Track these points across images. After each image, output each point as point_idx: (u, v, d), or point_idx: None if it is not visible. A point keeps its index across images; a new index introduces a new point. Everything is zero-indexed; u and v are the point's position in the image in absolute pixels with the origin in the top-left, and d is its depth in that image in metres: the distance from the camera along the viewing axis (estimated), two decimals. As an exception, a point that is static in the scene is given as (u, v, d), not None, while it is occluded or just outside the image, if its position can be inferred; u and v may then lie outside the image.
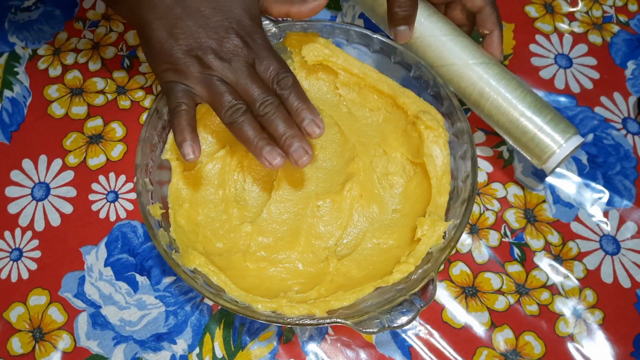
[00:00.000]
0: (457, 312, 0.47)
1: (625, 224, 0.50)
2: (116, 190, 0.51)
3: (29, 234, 0.49)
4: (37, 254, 0.49)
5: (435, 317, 0.47)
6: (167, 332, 0.46)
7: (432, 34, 0.48)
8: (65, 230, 0.49)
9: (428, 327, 0.46)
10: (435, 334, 0.46)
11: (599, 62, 0.57)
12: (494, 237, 0.50)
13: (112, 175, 0.51)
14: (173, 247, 0.42)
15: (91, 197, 0.51)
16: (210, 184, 0.47)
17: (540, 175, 0.52)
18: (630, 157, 0.53)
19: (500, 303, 0.47)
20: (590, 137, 0.52)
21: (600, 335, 0.46)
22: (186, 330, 0.46)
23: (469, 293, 0.48)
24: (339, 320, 0.39)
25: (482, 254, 0.49)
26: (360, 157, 0.48)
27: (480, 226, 0.50)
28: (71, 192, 0.51)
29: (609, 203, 0.51)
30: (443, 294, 0.47)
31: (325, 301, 0.41)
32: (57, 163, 0.52)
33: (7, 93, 0.55)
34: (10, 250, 0.49)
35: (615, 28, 0.59)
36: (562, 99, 0.55)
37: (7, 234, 0.49)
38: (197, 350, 0.45)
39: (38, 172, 0.52)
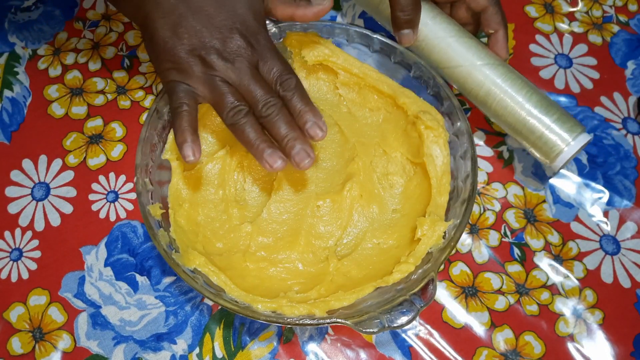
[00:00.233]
0: (457, 312, 0.47)
1: (625, 224, 0.50)
2: (116, 190, 0.51)
3: (29, 234, 0.49)
4: (37, 254, 0.49)
5: (435, 317, 0.47)
6: (167, 332, 0.46)
7: (437, 35, 0.48)
8: (65, 230, 0.49)
9: (428, 327, 0.46)
10: (435, 334, 0.46)
11: (599, 62, 0.57)
12: (494, 237, 0.50)
13: (112, 175, 0.51)
14: (173, 247, 0.42)
15: (91, 197, 0.51)
16: (210, 184, 0.47)
17: (540, 175, 0.52)
18: (630, 157, 0.53)
19: (500, 303, 0.47)
20: (590, 137, 0.52)
21: (600, 335, 0.46)
22: (186, 330, 0.46)
23: (469, 293, 0.48)
24: (339, 320, 0.39)
25: (482, 254, 0.49)
26: (360, 157, 0.48)
27: (480, 226, 0.50)
28: (71, 192, 0.51)
29: (609, 203, 0.51)
30: (443, 294, 0.47)
31: (325, 301, 0.41)
32: (57, 163, 0.52)
33: (7, 93, 0.55)
34: (10, 250, 0.49)
35: (615, 28, 0.59)
36: (562, 99, 0.55)
37: (7, 234, 0.49)
38: (197, 350, 0.45)
39: (38, 172, 0.52)
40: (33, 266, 0.48)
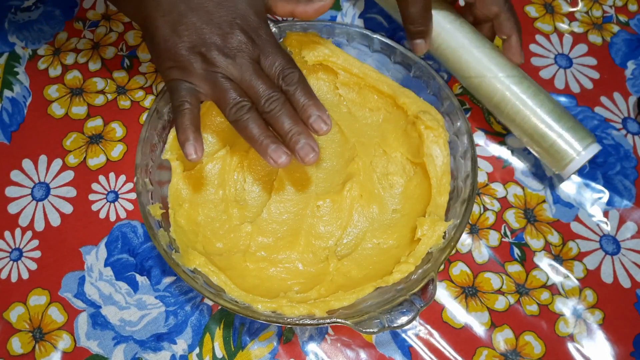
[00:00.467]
0: (457, 312, 0.47)
1: (625, 224, 0.50)
2: (116, 190, 0.51)
3: (29, 234, 0.49)
4: (37, 254, 0.49)
5: (435, 317, 0.47)
6: (167, 332, 0.46)
7: (454, 41, 0.49)
8: (65, 230, 0.49)
9: (428, 327, 0.46)
10: (435, 334, 0.46)
11: (599, 62, 0.57)
12: (494, 237, 0.50)
13: (112, 175, 0.51)
14: (173, 247, 0.42)
15: (91, 197, 0.51)
16: (210, 184, 0.47)
17: (540, 175, 0.52)
18: (630, 157, 0.53)
19: (500, 303, 0.47)
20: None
21: (600, 335, 0.46)
22: (186, 330, 0.46)
23: (469, 293, 0.48)
24: (339, 320, 0.39)
25: (482, 254, 0.49)
26: (360, 157, 0.48)
27: (480, 226, 0.50)
28: (71, 192, 0.51)
29: (609, 203, 0.51)
30: (443, 294, 0.47)
31: (325, 301, 0.41)
32: (57, 163, 0.52)
33: (7, 93, 0.55)
34: (10, 250, 0.49)
35: (615, 28, 0.59)
36: (562, 99, 0.55)
37: (7, 234, 0.49)
38: (197, 350, 0.45)
39: (38, 172, 0.52)
40: (33, 266, 0.48)
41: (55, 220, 0.50)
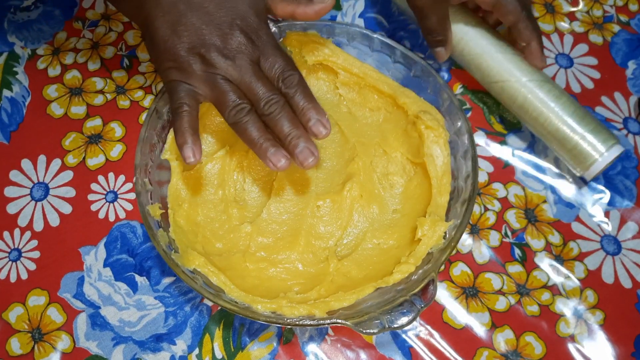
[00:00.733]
0: (457, 312, 0.47)
1: (626, 224, 0.50)
2: (115, 190, 0.51)
3: (27, 234, 0.49)
4: (36, 254, 0.48)
5: (436, 317, 0.46)
6: (167, 333, 0.46)
7: (477, 46, 0.49)
8: (64, 231, 0.49)
9: (428, 327, 0.46)
10: (436, 334, 0.46)
11: (599, 62, 0.57)
12: (494, 238, 0.49)
13: (111, 175, 0.51)
14: (172, 247, 0.42)
15: (90, 197, 0.50)
16: (209, 184, 0.47)
17: (540, 175, 0.52)
18: (631, 157, 0.53)
19: (501, 303, 0.47)
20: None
21: (601, 336, 0.46)
22: (185, 331, 0.46)
23: (469, 293, 0.47)
24: (339, 320, 0.39)
25: (482, 254, 0.49)
26: (360, 157, 0.48)
27: (480, 226, 0.50)
28: (70, 192, 0.51)
29: (610, 203, 0.51)
30: (443, 295, 0.47)
31: (325, 302, 0.41)
32: (56, 163, 0.52)
33: (6, 93, 0.55)
34: (9, 250, 0.49)
35: (616, 28, 0.58)
36: (563, 98, 0.55)
37: (6, 234, 0.49)
38: (196, 351, 0.45)
39: (37, 172, 0.51)
40: (32, 266, 0.48)
41: (54, 221, 0.50)
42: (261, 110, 0.40)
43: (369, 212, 0.47)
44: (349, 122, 0.50)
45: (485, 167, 0.52)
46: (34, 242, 0.49)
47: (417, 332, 0.46)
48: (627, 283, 0.48)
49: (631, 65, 0.57)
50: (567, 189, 0.51)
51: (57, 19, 0.58)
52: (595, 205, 0.51)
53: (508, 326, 0.46)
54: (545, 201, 0.51)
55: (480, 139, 0.53)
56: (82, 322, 0.46)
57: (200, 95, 0.41)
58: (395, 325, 0.39)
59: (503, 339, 0.46)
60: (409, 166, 0.48)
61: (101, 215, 0.50)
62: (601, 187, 0.51)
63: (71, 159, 0.52)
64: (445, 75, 0.56)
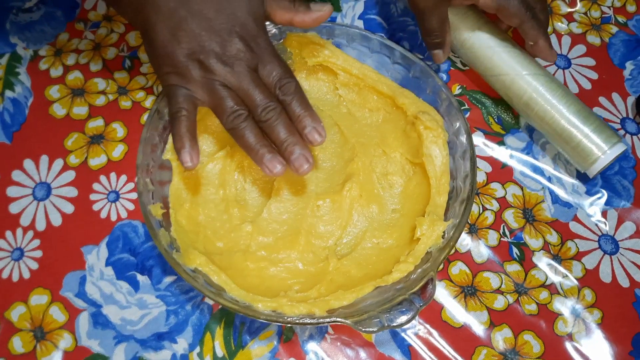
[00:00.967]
0: (456, 311, 0.47)
1: (624, 223, 0.50)
2: (117, 190, 0.51)
3: (30, 233, 0.49)
4: (38, 253, 0.49)
5: (435, 316, 0.47)
6: (168, 332, 0.46)
7: (483, 43, 0.50)
8: (66, 230, 0.49)
9: (427, 326, 0.46)
10: (435, 333, 0.46)
11: (597, 63, 0.57)
12: (493, 237, 0.50)
13: (113, 175, 0.52)
14: (174, 246, 0.43)
15: (92, 197, 0.51)
16: (210, 183, 0.47)
17: (538, 175, 0.52)
18: (629, 157, 0.53)
19: (499, 302, 0.47)
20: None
21: (598, 335, 0.46)
22: (187, 330, 0.46)
23: (468, 292, 0.48)
24: (339, 319, 0.39)
25: (481, 253, 0.49)
26: (360, 157, 0.48)
27: (479, 226, 0.50)
28: (72, 192, 0.51)
29: (608, 203, 0.51)
30: (442, 294, 0.48)
31: (325, 300, 0.41)
32: (59, 163, 0.52)
33: (8, 93, 0.55)
34: (11, 250, 0.49)
35: (614, 29, 0.59)
36: (561, 99, 0.55)
37: (8, 233, 0.49)
38: (197, 349, 0.46)
39: (39, 172, 0.52)
40: (34, 266, 0.48)
41: (56, 220, 0.50)
42: (258, 117, 0.41)
43: (368, 212, 0.47)
44: (348, 122, 0.51)
45: (483, 167, 0.52)
46: (36, 242, 0.49)
47: (416, 330, 0.46)
48: (624, 282, 0.48)
49: (629, 66, 0.57)
50: (565, 189, 0.52)
51: (59, 20, 0.58)
52: (593, 205, 0.51)
53: (506, 325, 0.47)
54: (543, 201, 0.51)
55: (478, 139, 0.53)
56: (84, 320, 0.46)
57: (199, 100, 0.42)
58: (395, 324, 0.39)
59: (501, 338, 0.46)
60: (408, 166, 0.49)
61: (103, 214, 0.50)
62: (599, 187, 0.52)
63: (73, 159, 0.52)
64: (444, 76, 0.56)
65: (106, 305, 0.47)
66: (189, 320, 0.46)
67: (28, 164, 0.52)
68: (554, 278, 0.48)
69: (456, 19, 0.51)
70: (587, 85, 0.56)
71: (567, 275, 0.48)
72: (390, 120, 0.50)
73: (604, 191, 0.51)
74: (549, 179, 0.52)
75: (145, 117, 0.54)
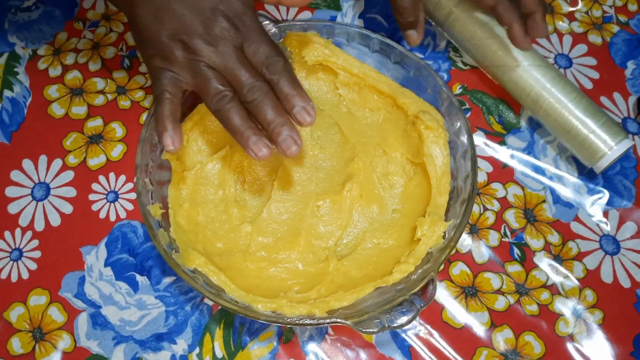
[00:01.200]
0: (457, 312, 0.47)
1: (625, 224, 0.50)
2: (116, 190, 0.51)
3: (29, 234, 0.49)
4: (37, 254, 0.49)
5: (435, 317, 0.47)
6: (167, 332, 0.46)
7: (488, 35, 0.50)
8: (65, 230, 0.49)
9: (428, 327, 0.46)
10: (435, 333, 0.46)
11: (598, 62, 0.57)
12: (493, 237, 0.50)
13: (112, 175, 0.51)
14: (173, 247, 0.42)
15: (91, 197, 0.51)
16: (210, 184, 0.47)
17: (539, 175, 0.52)
18: (630, 157, 0.53)
19: (500, 303, 0.47)
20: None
21: (600, 335, 0.46)
22: (186, 330, 0.46)
23: (468, 293, 0.48)
24: (339, 320, 0.39)
25: (482, 254, 0.49)
26: (360, 157, 0.48)
27: (480, 226, 0.50)
28: (71, 192, 0.51)
29: (609, 203, 0.51)
30: (443, 294, 0.47)
31: (325, 301, 0.41)
32: (57, 163, 0.52)
33: (7, 93, 0.55)
34: (10, 250, 0.49)
35: (615, 28, 0.59)
36: (562, 99, 0.55)
37: (7, 234, 0.49)
38: (197, 350, 0.45)
39: (38, 172, 0.52)
40: (33, 266, 0.48)
41: (55, 220, 0.50)
42: (244, 97, 0.39)
43: (368, 212, 0.47)
44: (348, 122, 0.51)
45: (484, 167, 0.52)
46: (35, 242, 0.49)
47: (416, 331, 0.46)
48: (625, 283, 0.48)
49: (630, 65, 0.57)
50: (566, 189, 0.51)
51: (58, 19, 0.58)
52: (594, 205, 0.51)
53: (507, 325, 0.46)
54: (544, 201, 0.51)
55: (479, 139, 0.53)
56: (83, 321, 0.46)
57: (183, 82, 0.40)
58: (395, 325, 0.39)
59: (502, 339, 0.46)
60: (409, 166, 0.49)
61: (102, 215, 0.50)
62: (600, 187, 0.51)
63: (72, 159, 0.52)
64: (445, 76, 0.56)
65: (105, 306, 0.47)
66: (189, 321, 0.46)
67: (27, 164, 0.52)
68: (555, 278, 0.48)
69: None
70: (589, 85, 0.56)
71: (568, 276, 0.48)
72: (391, 120, 0.50)
73: (605, 191, 0.51)
74: (550, 179, 0.52)
75: (144, 116, 0.54)
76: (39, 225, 0.50)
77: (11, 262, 0.48)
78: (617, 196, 0.51)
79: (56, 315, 0.46)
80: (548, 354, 0.46)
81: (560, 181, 0.52)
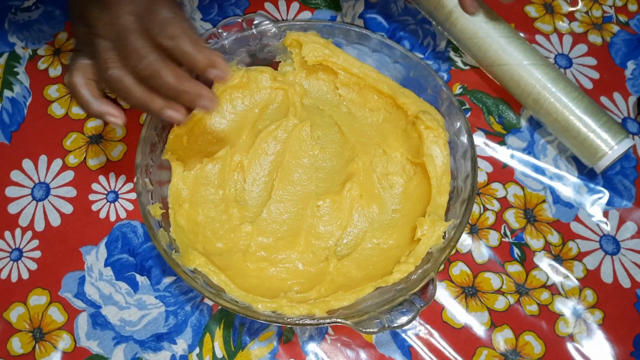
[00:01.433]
0: (457, 312, 0.47)
1: (625, 224, 0.50)
2: (116, 190, 0.51)
3: (29, 234, 0.49)
4: (37, 254, 0.49)
5: (435, 317, 0.47)
6: (167, 332, 0.46)
7: (489, 34, 0.51)
8: (65, 230, 0.49)
9: (428, 327, 0.46)
10: (435, 333, 0.46)
11: (598, 62, 0.57)
12: (493, 237, 0.50)
13: (112, 175, 0.51)
14: (173, 247, 0.42)
15: (91, 197, 0.51)
16: (210, 184, 0.47)
17: (539, 175, 0.52)
18: (630, 157, 0.53)
19: (500, 303, 0.47)
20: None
21: (600, 335, 0.46)
22: (186, 330, 0.46)
23: (468, 293, 0.48)
24: (339, 320, 0.39)
25: (482, 254, 0.49)
26: (360, 157, 0.48)
27: (480, 226, 0.50)
28: (71, 192, 0.51)
29: (609, 203, 0.51)
30: (443, 294, 0.47)
31: (325, 301, 0.41)
32: (57, 163, 0.52)
33: (7, 93, 0.55)
34: (10, 250, 0.49)
35: (615, 28, 0.59)
36: (562, 99, 0.55)
37: (7, 234, 0.49)
38: (197, 350, 0.45)
39: (38, 172, 0.52)
40: (33, 266, 0.48)
41: (55, 220, 0.50)
42: (143, 67, 0.36)
43: (368, 212, 0.47)
44: (349, 122, 0.51)
45: (484, 167, 0.52)
46: (35, 242, 0.49)
47: (416, 331, 0.46)
48: (626, 283, 0.48)
49: (630, 65, 0.57)
50: (566, 189, 0.51)
51: (58, 19, 0.58)
52: (595, 205, 0.51)
53: (507, 325, 0.46)
54: (544, 201, 0.51)
55: (479, 139, 0.53)
56: (83, 321, 0.46)
57: (87, 62, 0.38)
58: (395, 325, 0.39)
59: (502, 339, 0.46)
60: (409, 166, 0.49)
61: (102, 215, 0.50)
62: (600, 187, 0.51)
63: (72, 159, 0.52)
64: (445, 76, 0.56)
65: (105, 306, 0.47)
66: (189, 321, 0.46)
67: (27, 164, 0.52)
68: (555, 278, 0.48)
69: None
70: (589, 85, 0.56)
71: (568, 276, 0.48)
72: (391, 120, 0.50)
73: (605, 191, 0.51)
74: (550, 179, 0.52)
75: (144, 116, 0.54)
76: (39, 225, 0.50)
77: (11, 262, 0.48)
78: (617, 196, 0.51)
79: (56, 315, 0.46)
80: (548, 354, 0.46)
81: (560, 181, 0.52)
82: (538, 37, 0.58)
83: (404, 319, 0.39)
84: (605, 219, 0.50)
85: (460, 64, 0.56)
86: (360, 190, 0.47)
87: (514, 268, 0.48)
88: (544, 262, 0.49)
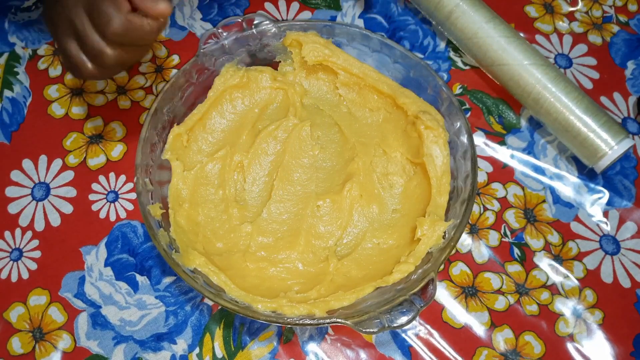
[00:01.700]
0: (457, 312, 0.47)
1: (625, 224, 0.50)
2: (116, 190, 0.51)
3: (29, 234, 0.49)
4: (37, 254, 0.49)
5: (435, 317, 0.47)
6: (167, 332, 0.46)
7: (489, 34, 0.51)
8: (65, 230, 0.49)
9: (428, 327, 0.46)
10: (435, 333, 0.46)
11: (598, 62, 0.57)
12: (493, 237, 0.50)
13: (112, 175, 0.51)
14: (173, 247, 0.42)
15: (91, 197, 0.51)
16: (210, 184, 0.47)
17: (539, 175, 0.52)
18: (630, 157, 0.53)
19: (500, 303, 0.47)
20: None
21: (600, 335, 0.46)
22: (186, 330, 0.46)
23: (468, 293, 0.48)
24: (339, 320, 0.39)
25: (482, 253, 0.49)
26: (360, 157, 0.48)
27: (480, 226, 0.50)
28: (71, 192, 0.51)
29: (609, 203, 0.51)
30: (443, 294, 0.47)
31: (325, 301, 0.41)
32: (57, 163, 0.52)
33: (7, 93, 0.55)
34: (10, 250, 0.49)
35: (615, 28, 0.59)
36: (562, 99, 0.55)
37: (7, 234, 0.49)
38: (197, 350, 0.45)
39: (38, 172, 0.52)
40: (33, 266, 0.48)
41: (55, 220, 0.50)
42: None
43: (368, 212, 0.47)
44: (349, 122, 0.51)
45: (484, 167, 0.52)
46: (35, 242, 0.49)
47: (416, 331, 0.46)
48: (626, 283, 0.48)
49: (630, 65, 0.57)
50: (566, 189, 0.51)
51: (58, 19, 0.58)
52: (595, 205, 0.51)
53: (507, 325, 0.46)
54: (544, 201, 0.51)
55: (479, 139, 0.53)
56: (83, 321, 0.46)
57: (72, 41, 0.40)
58: (395, 325, 0.39)
59: (502, 339, 0.46)
60: (409, 166, 0.49)
61: (102, 215, 0.50)
62: (600, 187, 0.51)
63: (72, 159, 0.52)
64: (445, 76, 0.56)
65: (105, 306, 0.47)
66: (189, 321, 0.46)
67: (27, 163, 0.52)
68: (555, 278, 0.48)
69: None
70: (589, 85, 0.56)
71: (568, 276, 0.48)
72: (391, 120, 0.50)
73: (605, 191, 0.51)
74: (550, 179, 0.52)
75: (144, 116, 0.54)
76: (39, 225, 0.50)
77: (11, 262, 0.48)
78: (617, 196, 0.51)
79: (56, 315, 0.46)
80: (548, 354, 0.46)
81: (560, 181, 0.52)
82: (538, 37, 0.58)
83: (404, 319, 0.39)
84: (605, 219, 0.50)
85: (460, 64, 0.56)
86: (360, 190, 0.47)
87: (514, 268, 0.48)
88: (544, 262, 0.49)
